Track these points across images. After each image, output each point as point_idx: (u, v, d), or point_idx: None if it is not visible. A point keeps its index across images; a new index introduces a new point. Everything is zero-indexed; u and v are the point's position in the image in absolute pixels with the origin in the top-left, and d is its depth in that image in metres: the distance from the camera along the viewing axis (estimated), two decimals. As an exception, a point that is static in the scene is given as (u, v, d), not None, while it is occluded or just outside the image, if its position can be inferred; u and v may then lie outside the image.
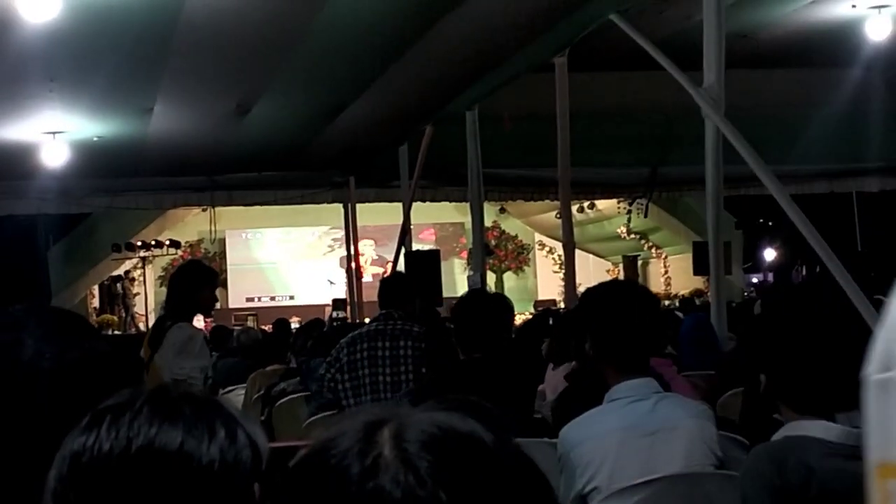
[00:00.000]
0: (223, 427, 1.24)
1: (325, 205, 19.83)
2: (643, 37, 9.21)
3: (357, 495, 0.95)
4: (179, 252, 25.18)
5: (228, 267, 26.76)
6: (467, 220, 25.50)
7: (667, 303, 20.93)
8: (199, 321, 7.08)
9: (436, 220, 23.08)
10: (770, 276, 23.60)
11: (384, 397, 6.38)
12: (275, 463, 1.30)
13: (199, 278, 6.26)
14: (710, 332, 7.70)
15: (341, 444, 1.00)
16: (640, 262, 26.34)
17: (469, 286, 14.08)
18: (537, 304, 24.29)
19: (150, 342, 6.30)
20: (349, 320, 17.51)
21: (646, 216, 20.83)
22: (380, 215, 20.98)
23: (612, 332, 3.46)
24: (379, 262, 25.72)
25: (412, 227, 17.41)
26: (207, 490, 1.20)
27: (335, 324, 14.96)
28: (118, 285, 25.38)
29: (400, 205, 17.28)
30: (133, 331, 23.78)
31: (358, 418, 1.03)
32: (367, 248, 24.59)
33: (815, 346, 2.86)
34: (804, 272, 21.52)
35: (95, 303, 25.08)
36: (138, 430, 1.21)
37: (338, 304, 20.83)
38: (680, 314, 11.73)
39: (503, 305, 5.17)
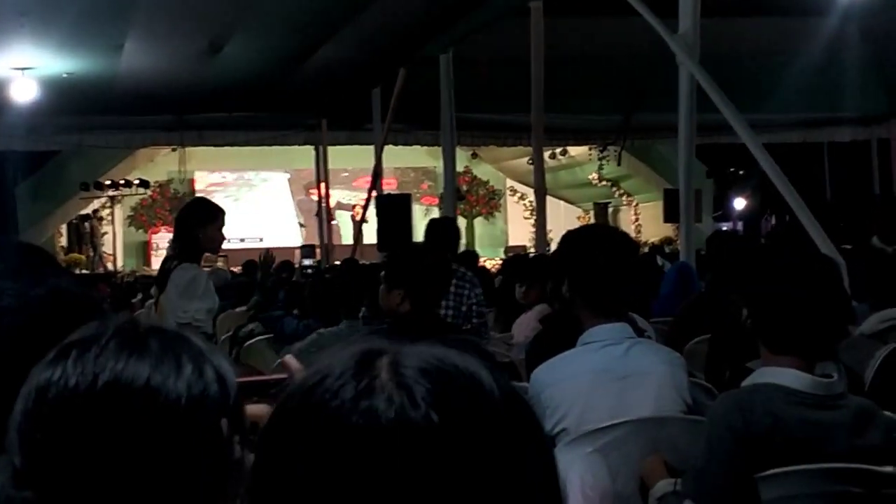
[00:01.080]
0: (190, 362, 1.23)
1: (294, 147, 19.73)
2: (619, -18, 9.16)
3: (348, 415, 0.96)
4: (148, 192, 25.04)
5: (198, 208, 26.62)
6: (437, 164, 25.61)
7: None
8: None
9: (396, 164, 22.95)
10: (740, 225, 23.69)
11: None
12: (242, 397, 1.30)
13: (202, 216, 6.03)
14: (694, 280, 7.72)
15: (335, 369, 1.01)
16: (610, 210, 26.41)
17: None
18: (508, 249, 24.33)
19: (156, 282, 6.23)
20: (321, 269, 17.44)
21: (618, 164, 20.86)
22: (344, 159, 20.87)
23: (588, 275, 3.45)
24: (346, 206, 25.68)
25: (376, 171, 17.34)
26: (175, 425, 1.20)
27: (306, 272, 14.90)
28: (86, 224, 25.22)
29: (365, 148, 17.23)
30: (101, 270, 23.68)
31: (352, 348, 1.04)
32: (334, 192, 24.51)
33: (800, 288, 2.88)
34: (773, 221, 21.61)
35: (63, 241, 24.94)
36: (104, 365, 1.20)
37: (306, 251, 20.76)
38: (663, 260, 11.76)
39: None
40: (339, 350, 1.04)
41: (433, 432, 0.94)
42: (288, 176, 26.83)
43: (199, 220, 6.00)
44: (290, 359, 1.48)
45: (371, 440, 0.95)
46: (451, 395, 0.97)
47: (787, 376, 2.82)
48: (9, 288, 1.58)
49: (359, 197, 23.66)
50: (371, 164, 17.26)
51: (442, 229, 7.46)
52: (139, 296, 13.11)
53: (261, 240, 25.87)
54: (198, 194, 26.35)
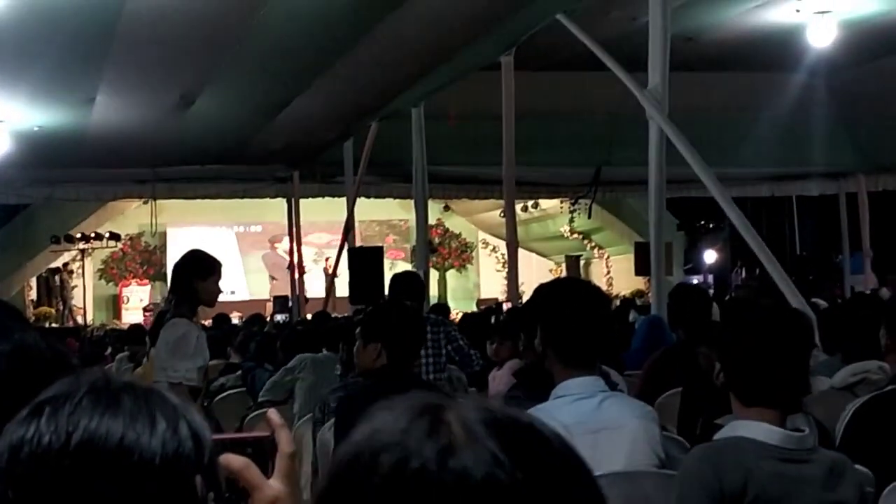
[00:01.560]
0: (164, 419, 1.22)
1: (266, 200, 19.73)
2: (589, 37, 9.26)
3: (436, 475, 0.93)
4: (119, 245, 24.94)
5: (168, 261, 26.54)
6: (404, 216, 25.66)
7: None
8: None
9: (360, 217, 23.04)
10: (710, 278, 23.81)
11: (428, 378, 6.76)
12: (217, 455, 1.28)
13: (200, 268, 5.94)
14: (665, 333, 7.72)
15: (397, 427, 0.97)
16: (582, 262, 26.48)
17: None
18: (479, 302, 24.34)
19: (150, 335, 6.14)
20: (290, 320, 17.37)
21: (589, 217, 20.94)
22: (319, 212, 20.87)
23: (560, 327, 3.45)
24: (318, 257, 25.66)
25: (348, 224, 17.36)
26: (149, 483, 1.18)
27: (277, 325, 14.85)
28: (56, 277, 25.07)
29: (339, 201, 17.27)
30: (70, 323, 23.51)
31: (404, 404, 1.00)
32: (307, 245, 24.50)
33: (772, 341, 2.91)
34: (744, 274, 21.73)
35: (33, 295, 24.79)
36: (77, 423, 1.19)
37: (279, 301, 20.69)
38: (635, 314, 11.77)
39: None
40: (385, 408, 1.01)
41: (519, 488, 0.93)
42: (260, 229, 26.81)
43: (196, 273, 5.92)
44: (273, 413, 1.46)
45: (463, 500, 0.93)
46: (524, 448, 0.96)
47: (760, 430, 2.83)
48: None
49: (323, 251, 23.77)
50: (339, 216, 17.31)
51: (406, 282, 7.56)
52: (109, 350, 13.00)
53: (233, 292, 25.83)
54: (169, 247, 26.35)
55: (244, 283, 25.77)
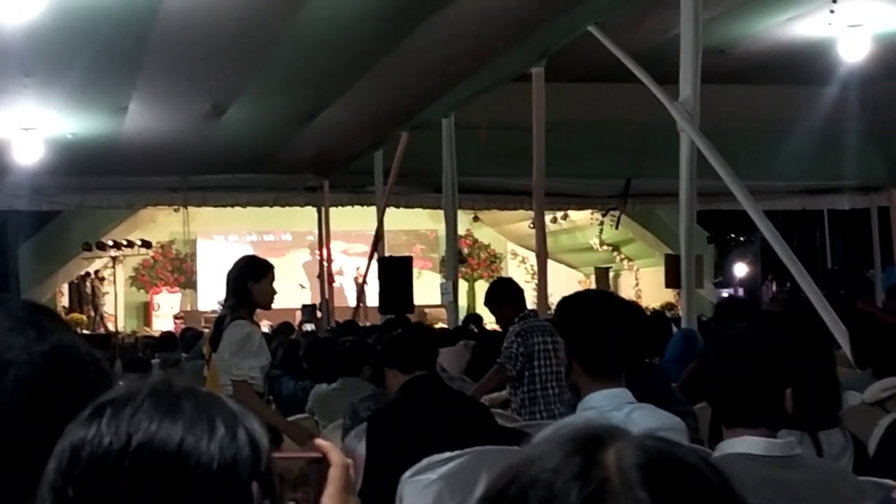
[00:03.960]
0: (223, 424, 1.23)
1: (297, 208, 19.80)
2: (620, 49, 9.26)
3: None
4: (150, 252, 25.07)
5: (198, 269, 26.67)
6: (431, 226, 25.67)
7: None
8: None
9: (388, 227, 23.12)
10: (741, 291, 23.72)
11: (552, 387, 7.17)
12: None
13: (254, 271, 6.11)
14: (697, 345, 7.70)
15: (553, 460, 0.94)
16: (611, 274, 26.41)
17: (441, 294, 14.10)
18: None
19: (210, 341, 6.24)
20: (318, 330, 17.39)
21: (617, 228, 20.91)
22: (349, 221, 20.92)
23: (585, 339, 3.45)
24: (346, 267, 25.71)
25: (377, 234, 17.39)
26: (206, 488, 1.19)
27: (304, 334, 14.91)
28: (87, 284, 25.23)
29: (369, 210, 17.32)
30: (101, 330, 23.64)
31: (567, 431, 0.97)
32: (336, 254, 24.56)
33: (734, 362, 2.92)
34: (774, 287, 21.63)
35: (64, 301, 24.93)
36: (138, 426, 1.21)
37: (307, 310, 20.73)
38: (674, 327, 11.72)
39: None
40: (548, 436, 0.97)
41: None
42: (290, 237, 26.89)
43: (251, 276, 6.06)
44: (320, 441, 1.48)
45: None
46: (682, 496, 0.92)
47: (744, 444, 2.87)
48: (16, 342, 1.59)
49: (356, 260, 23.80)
50: (370, 226, 17.35)
51: (503, 288, 8.06)
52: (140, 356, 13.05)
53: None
54: (200, 256, 26.47)
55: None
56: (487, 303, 7.94)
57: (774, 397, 2.93)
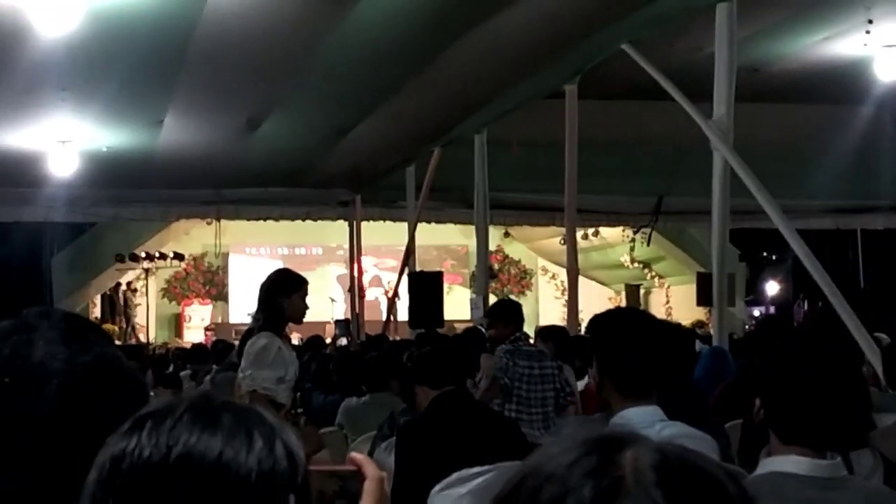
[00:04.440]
0: (261, 437, 1.25)
1: (328, 222, 19.86)
2: (654, 67, 9.26)
3: None
4: (183, 264, 25.20)
5: (230, 281, 26.80)
6: (462, 242, 25.68)
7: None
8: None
9: (419, 242, 23.25)
10: (772, 310, 23.59)
11: (535, 412, 7.26)
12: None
13: (288, 286, 6.11)
14: (728, 364, 7.69)
15: (569, 457, 0.94)
16: (642, 291, 26.34)
17: (471, 309, 14.10)
18: (539, 329, 24.21)
19: (238, 355, 6.29)
20: (349, 344, 17.42)
21: (648, 244, 20.84)
22: (380, 235, 20.98)
23: (616, 357, 3.45)
24: (377, 281, 25.75)
25: (408, 249, 17.41)
26: (244, 500, 1.21)
27: (338, 349, 14.95)
28: (120, 295, 25.38)
29: (400, 225, 17.35)
30: (133, 341, 23.76)
31: (587, 434, 0.97)
32: (368, 268, 24.63)
33: (813, 378, 2.88)
34: (806, 307, 21.51)
35: (97, 312, 25.07)
36: (178, 438, 1.22)
37: (340, 325, 20.77)
38: (701, 345, 11.69)
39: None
40: (568, 437, 0.97)
41: None
42: (321, 251, 26.97)
43: (284, 290, 6.07)
44: (355, 455, 1.50)
45: None
46: (696, 500, 0.91)
47: (788, 463, 2.83)
48: (59, 353, 1.62)
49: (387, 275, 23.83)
50: (401, 240, 17.39)
51: (505, 309, 8.03)
52: (171, 367, 13.13)
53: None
54: (232, 268, 26.58)
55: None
56: (488, 315, 8.06)
57: (844, 414, 2.90)
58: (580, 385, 8.08)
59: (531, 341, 8.18)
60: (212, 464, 1.21)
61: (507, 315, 7.85)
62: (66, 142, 14.31)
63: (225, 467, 1.22)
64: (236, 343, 14.62)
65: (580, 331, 12.47)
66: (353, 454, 1.49)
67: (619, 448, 0.93)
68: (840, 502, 2.79)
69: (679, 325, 15.50)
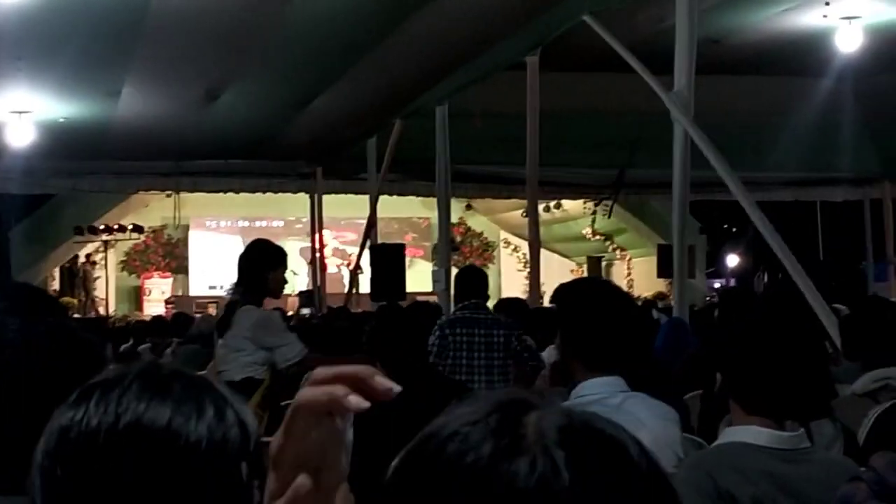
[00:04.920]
0: (212, 405, 1.24)
1: (289, 195, 19.78)
2: (615, 39, 9.24)
3: (484, 473, 0.89)
4: (142, 237, 25.05)
5: (190, 254, 26.67)
6: (424, 214, 25.69)
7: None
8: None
9: (380, 215, 23.31)
10: (733, 282, 23.76)
11: (477, 380, 7.08)
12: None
13: (271, 260, 6.02)
14: (687, 335, 7.72)
15: (473, 416, 0.93)
16: (604, 264, 26.45)
17: (433, 281, 14.11)
18: (501, 301, 24.28)
19: (219, 326, 6.14)
20: (312, 316, 17.40)
21: (609, 217, 20.93)
22: (340, 208, 20.93)
23: (581, 328, 3.45)
24: (339, 253, 25.70)
25: (370, 221, 17.39)
26: (195, 468, 1.20)
27: (301, 319, 14.89)
28: (79, 268, 25.19)
29: (361, 198, 17.33)
30: (93, 314, 23.61)
31: (493, 396, 0.96)
32: (328, 240, 24.59)
33: (775, 349, 2.89)
34: (766, 279, 21.68)
35: (56, 285, 24.88)
36: (127, 406, 1.21)
37: (303, 296, 20.74)
38: (658, 314, 11.76)
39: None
40: (476, 399, 0.96)
41: (573, 502, 0.87)
42: (282, 223, 26.87)
43: (268, 264, 5.98)
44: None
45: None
46: (597, 463, 0.90)
47: (749, 433, 2.84)
48: (12, 323, 1.60)
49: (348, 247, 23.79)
50: (362, 213, 17.35)
51: (470, 278, 7.92)
52: (131, 341, 13.05)
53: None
54: (192, 241, 26.45)
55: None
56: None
57: (806, 385, 2.91)
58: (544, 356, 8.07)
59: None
60: (161, 431, 1.20)
61: (458, 284, 7.83)
62: (21, 112, 14.17)
63: (175, 435, 1.20)
64: (196, 316, 14.63)
65: (542, 303, 12.51)
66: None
67: (525, 410, 0.93)
68: (800, 475, 2.80)
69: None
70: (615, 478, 0.90)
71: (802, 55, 13.20)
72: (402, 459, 0.97)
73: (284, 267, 6.04)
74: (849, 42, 12.40)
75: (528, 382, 7.38)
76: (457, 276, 8.18)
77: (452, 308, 13.45)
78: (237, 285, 6.10)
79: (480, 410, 0.93)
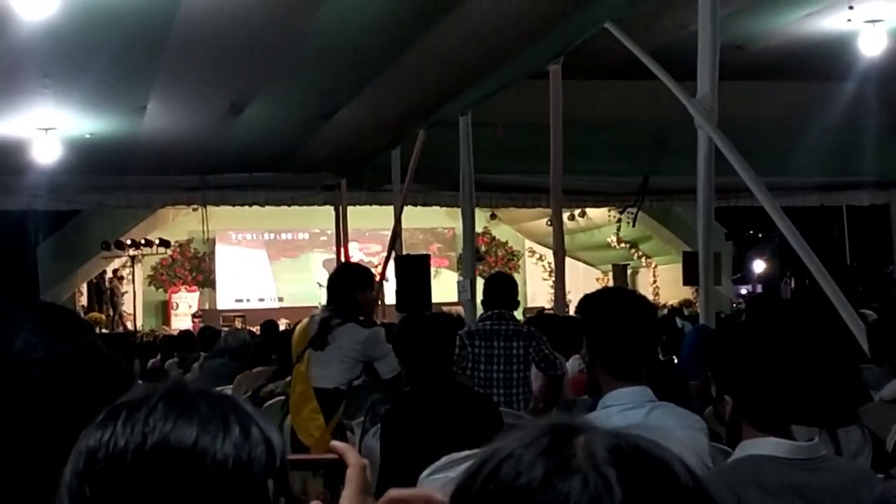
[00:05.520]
0: (237, 423, 1.25)
1: (314, 207, 19.84)
2: (638, 46, 9.23)
3: (538, 493, 0.93)
4: (169, 251, 25.15)
5: (217, 268, 26.76)
6: (448, 224, 25.70)
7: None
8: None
9: (405, 225, 23.33)
10: (759, 288, 23.66)
11: (496, 393, 7.05)
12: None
13: (361, 281, 6.42)
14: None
15: (523, 441, 0.98)
16: (629, 271, 26.38)
17: (459, 292, 14.11)
18: (526, 310, 24.30)
19: (312, 341, 6.40)
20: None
21: (633, 225, 20.87)
22: (365, 219, 20.98)
23: (607, 338, 3.44)
24: (366, 265, 25.73)
25: (395, 232, 17.41)
26: (221, 486, 1.21)
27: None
28: (106, 283, 25.33)
29: (385, 209, 17.35)
30: (120, 329, 23.73)
31: (543, 423, 1.01)
32: (353, 252, 24.65)
33: (777, 366, 2.87)
34: (793, 284, 21.58)
35: (83, 300, 25.03)
36: (153, 427, 1.22)
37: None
38: (682, 322, 11.71)
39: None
40: (525, 426, 1.02)
41: None
42: (307, 236, 26.95)
43: (358, 286, 6.38)
44: (337, 443, 1.49)
45: None
46: (647, 481, 0.94)
47: (767, 445, 2.82)
48: (39, 343, 1.62)
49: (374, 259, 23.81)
50: (386, 224, 17.38)
51: (493, 287, 7.79)
52: (158, 355, 13.12)
53: (280, 300, 25.95)
54: (218, 255, 26.55)
55: (291, 290, 25.89)
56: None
57: (824, 393, 2.89)
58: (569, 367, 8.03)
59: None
60: (188, 451, 1.21)
61: (485, 292, 7.77)
62: (48, 129, 14.25)
63: (201, 454, 1.21)
64: (223, 330, 14.67)
65: (568, 311, 12.50)
66: (335, 442, 1.48)
67: (574, 433, 0.98)
68: (820, 483, 2.79)
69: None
70: (665, 495, 0.94)
71: (826, 59, 13.15)
72: (461, 484, 1.02)
73: (373, 287, 6.51)
74: (872, 45, 12.35)
75: (550, 392, 7.34)
76: (485, 283, 8.10)
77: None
78: (327, 306, 6.49)
79: (531, 434, 0.99)
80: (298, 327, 6.77)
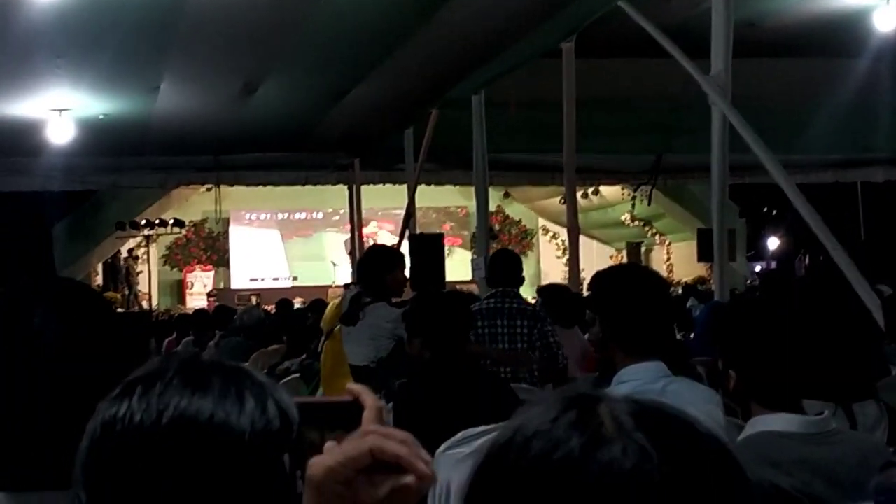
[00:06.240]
0: (253, 397, 1.25)
1: (327, 187, 19.84)
2: (651, 23, 9.20)
3: (581, 466, 0.93)
4: (183, 231, 25.22)
5: (231, 247, 26.82)
6: (462, 203, 25.68)
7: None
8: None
9: (418, 204, 23.23)
10: (773, 265, 23.60)
11: (503, 371, 6.90)
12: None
13: (389, 262, 6.50)
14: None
15: (545, 418, 0.98)
16: (643, 249, 26.37)
17: (473, 269, 14.12)
18: (541, 288, 24.24)
19: (343, 318, 6.50)
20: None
21: (649, 203, 20.84)
22: (378, 199, 20.98)
23: (620, 314, 3.45)
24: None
25: (408, 211, 17.41)
26: (238, 459, 1.21)
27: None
28: (122, 263, 25.41)
29: (398, 188, 17.33)
30: (136, 308, 23.80)
31: (555, 396, 1.01)
32: (366, 232, 24.66)
33: (779, 342, 2.87)
34: (807, 261, 21.53)
35: (99, 280, 25.11)
36: (168, 401, 1.22)
37: (347, 288, 20.78)
38: (695, 301, 11.70)
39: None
40: (538, 401, 1.02)
41: (667, 483, 0.92)
42: (320, 215, 26.96)
43: (386, 266, 6.46)
44: (353, 385, 1.48)
45: (609, 494, 0.92)
46: (675, 442, 0.95)
47: (778, 421, 2.82)
48: (55, 322, 1.63)
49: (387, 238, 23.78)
50: (400, 203, 17.37)
51: (497, 264, 7.71)
52: (174, 334, 13.16)
53: (294, 279, 26.00)
54: (232, 234, 26.60)
55: (305, 269, 25.93)
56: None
57: (840, 367, 2.89)
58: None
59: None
60: (204, 425, 1.21)
61: (489, 269, 7.75)
62: (62, 110, 14.26)
63: (217, 428, 1.21)
64: (238, 308, 14.71)
65: (582, 290, 12.50)
66: (351, 385, 1.48)
67: (594, 402, 0.99)
68: (832, 457, 2.79)
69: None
70: (696, 452, 0.96)
71: (840, 36, 13.06)
72: (484, 464, 1.01)
73: (402, 267, 6.50)
74: (887, 22, 12.27)
75: (553, 374, 7.25)
76: (489, 261, 8.07)
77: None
78: (355, 285, 6.67)
79: (553, 409, 0.99)
80: (330, 305, 6.86)
